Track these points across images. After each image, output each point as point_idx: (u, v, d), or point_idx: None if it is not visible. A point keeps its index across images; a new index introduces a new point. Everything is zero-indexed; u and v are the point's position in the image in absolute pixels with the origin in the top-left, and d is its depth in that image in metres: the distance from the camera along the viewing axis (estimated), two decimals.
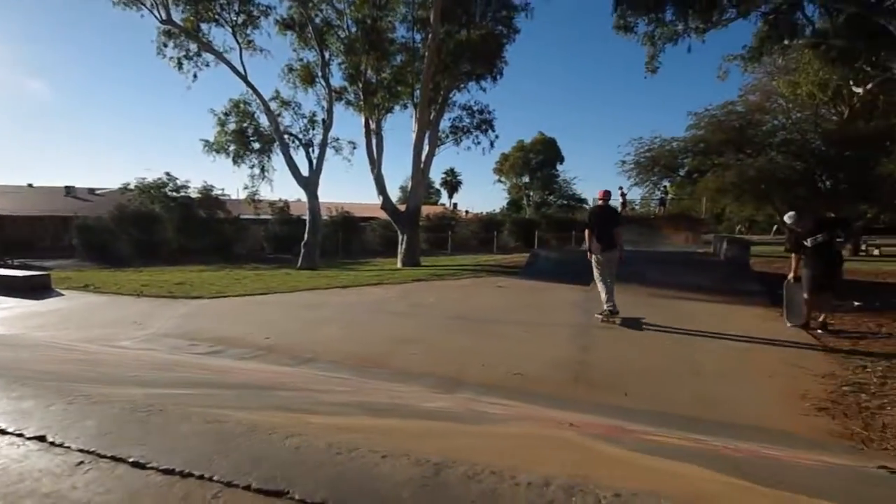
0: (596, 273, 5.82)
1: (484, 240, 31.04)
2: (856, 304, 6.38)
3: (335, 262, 19.08)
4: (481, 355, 4.33)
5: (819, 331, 5.09)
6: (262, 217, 25.38)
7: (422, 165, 14.83)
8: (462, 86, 15.59)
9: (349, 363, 4.04)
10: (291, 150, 16.47)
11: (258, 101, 16.04)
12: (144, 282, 9.51)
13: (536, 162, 43.99)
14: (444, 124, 16.74)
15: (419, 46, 15.27)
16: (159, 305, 6.71)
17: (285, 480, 0.52)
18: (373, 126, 15.90)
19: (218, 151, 17.25)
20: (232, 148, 17.31)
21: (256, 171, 18.18)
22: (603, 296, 5.68)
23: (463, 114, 16.70)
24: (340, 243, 24.03)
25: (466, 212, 41.84)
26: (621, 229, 5.88)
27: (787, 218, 5.40)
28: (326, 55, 15.61)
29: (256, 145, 18.14)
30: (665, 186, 25.02)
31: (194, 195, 23.93)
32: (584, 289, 8.51)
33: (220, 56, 15.29)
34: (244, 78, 15.61)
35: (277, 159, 18.06)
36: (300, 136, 17.22)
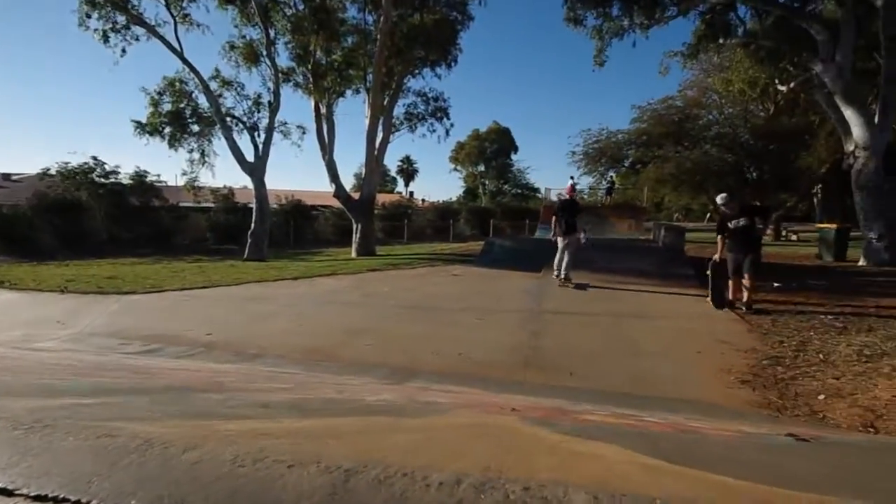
0: (560, 250, 7.41)
1: (440, 228, 31.09)
2: (775, 284, 7.02)
3: (285, 253, 18.39)
4: (434, 343, 4.34)
5: (743, 309, 5.55)
6: (205, 205, 23.91)
7: (376, 152, 14.52)
8: (416, 71, 15.34)
9: (298, 357, 3.92)
10: (235, 134, 15.55)
11: (196, 79, 14.93)
12: (69, 276, 8.68)
13: (491, 151, 44.44)
14: (399, 111, 16.45)
15: (371, 29, 14.82)
16: (87, 302, 6.15)
17: (173, 501, 0.47)
18: (323, 111, 15.33)
19: (151, 133, 15.96)
20: (167, 130, 16.07)
21: (196, 155, 17.01)
22: (563, 265, 7.33)
23: (418, 100, 16.50)
24: (292, 232, 23.12)
25: (423, 200, 41.64)
26: (580, 217, 7.58)
27: (719, 199, 5.81)
28: (272, 33, 14.77)
29: (195, 128, 16.97)
30: (612, 176, 26.11)
31: (126, 181, 22.07)
32: (537, 276, 8.75)
33: (151, 30, 14.05)
34: (180, 54, 14.47)
35: (220, 143, 16.98)
36: (244, 118, 16.25)
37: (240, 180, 30.18)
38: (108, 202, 21.00)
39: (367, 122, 14.31)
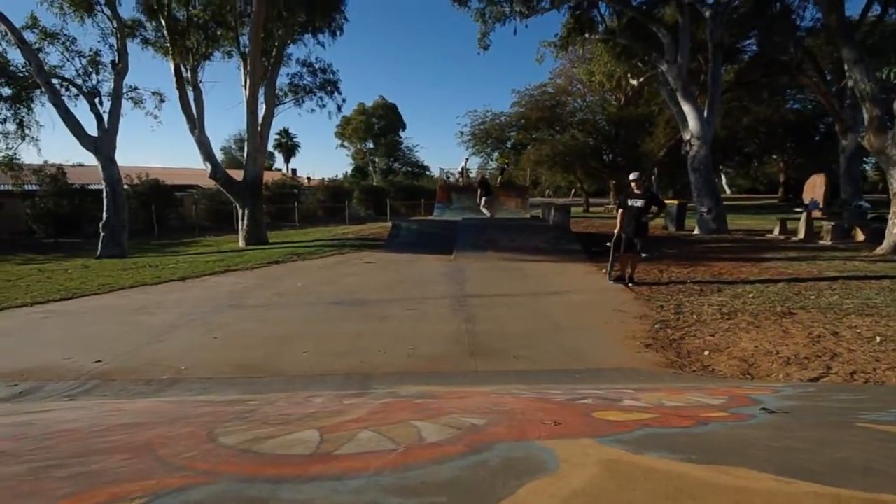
0: (484, 210, 13.11)
1: (332, 210, 29.69)
2: (643, 255, 8.38)
3: (149, 245, 15.81)
4: (376, 341, 4.27)
5: (629, 283, 6.53)
6: (26, 189, 19.05)
7: (259, 127, 13.10)
8: (298, 38, 14.03)
9: (228, 376, 3.50)
10: (68, 101, 12.57)
11: (3, 26, 11.56)
12: None
13: (379, 127, 43.36)
14: (283, 81, 15.01)
15: None
16: None
17: None
18: (187, 75, 13.20)
19: None
20: None
21: (11, 126, 13.39)
22: (487, 214, 12.96)
23: (304, 71, 15.25)
24: (154, 220, 19.75)
25: (308, 178, 39.07)
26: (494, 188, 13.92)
27: (631, 176, 6.47)
28: None
29: (5, 91, 13.30)
30: (499, 155, 27.70)
31: None
32: (449, 259, 9.04)
33: None
34: None
35: (43, 111, 13.57)
36: (78, 81, 13.16)
37: (73, 157, 24.42)
38: None
39: (245, 91, 12.79)
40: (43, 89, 12.38)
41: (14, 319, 5.04)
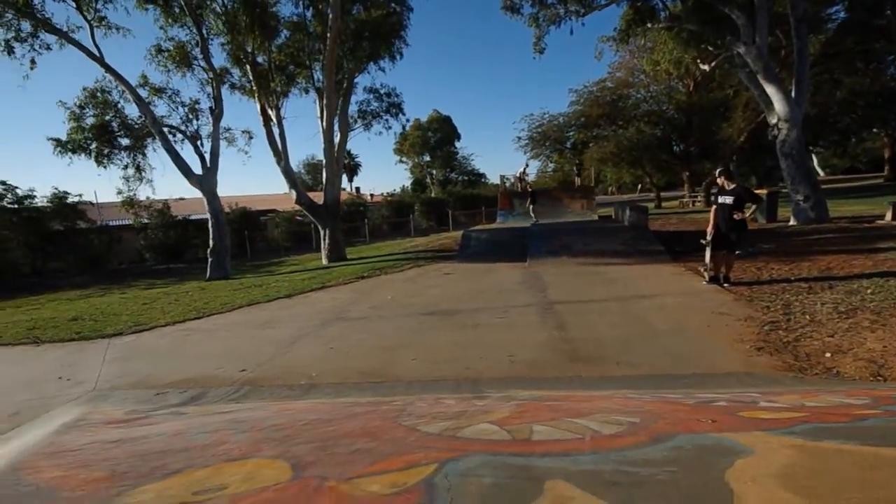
0: (532, 214, 15.24)
1: (396, 224, 30.86)
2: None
3: (245, 266, 17.50)
4: (474, 349, 4.52)
5: (725, 284, 6.22)
6: (132, 223, 22.03)
7: (335, 153, 14.15)
8: (365, 68, 15.02)
9: (354, 381, 3.93)
10: (175, 146, 14.42)
11: (122, 87, 13.60)
12: (24, 322, 7.77)
13: (435, 140, 44.47)
14: (352, 108, 16.08)
15: (309, 23, 14.26)
16: (73, 352, 5.61)
17: None
18: (272, 114, 14.63)
19: (74, 151, 14.41)
20: (93, 146, 14.57)
21: (130, 171, 15.60)
22: (534, 218, 14.53)
23: (371, 97, 16.24)
24: (247, 244, 21.90)
25: (371, 195, 40.97)
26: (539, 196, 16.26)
27: (717, 172, 6.22)
28: (204, 33, 13.74)
29: (125, 141, 15.53)
30: (579, 160, 27.33)
31: (44, 205, 19.72)
32: (523, 266, 9.17)
33: (64, 35, 12.56)
34: (100, 61, 13.07)
35: (154, 156, 15.69)
36: (182, 127, 15.10)
37: (174, 192, 27.80)
38: (26, 230, 18.67)
39: (320, 122, 13.89)
40: (155, 137, 14.40)
41: (164, 338, 5.97)
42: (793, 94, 11.54)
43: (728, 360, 3.83)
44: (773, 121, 11.78)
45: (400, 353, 4.60)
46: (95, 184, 60.02)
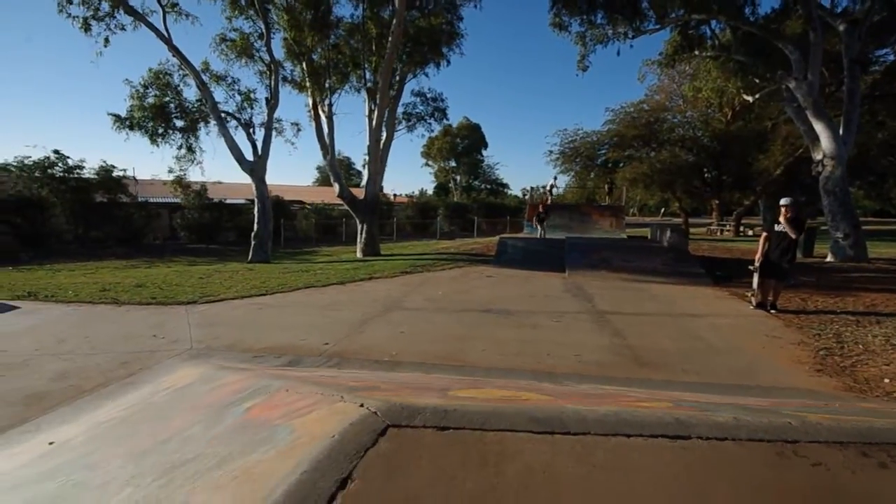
0: (542, 228, 15.47)
1: (419, 225, 31.29)
2: (788, 282, 8.05)
3: (278, 253, 18.05)
4: (540, 346, 4.81)
5: (772, 310, 6.40)
6: (171, 202, 22.80)
7: (380, 152, 14.61)
8: (419, 72, 15.53)
9: (435, 363, 4.24)
10: (231, 131, 15.05)
11: (186, 71, 14.29)
12: (92, 285, 8.29)
13: (462, 147, 44.97)
14: (398, 110, 16.57)
15: (367, 26, 14.82)
16: (154, 314, 6.05)
17: None
18: (323, 109, 15.19)
19: (132, 128, 15.12)
20: (150, 125, 15.28)
21: (182, 151, 16.29)
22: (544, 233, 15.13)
23: (417, 100, 16.74)
24: (281, 231, 22.58)
25: (394, 195, 41.57)
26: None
27: (783, 201, 6.22)
28: (268, 25, 14.39)
29: (179, 123, 16.23)
30: (611, 179, 27.60)
31: (91, 176, 20.61)
32: (563, 276, 9.43)
33: (139, 17, 13.28)
34: (169, 42, 13.76)
35: (206, 139, 16.39)
36: (237, 114, 15.74)
37: (213, 175, 28.67)
38: (72, 199, 19.55)
39: (368, 121, 14.40)
40: (210, 120, 15.08)
41: (238, 310, 6.38)
42: (840, 132, 11.64)
43: (790, 378, 4.06)
44: (818, 157, 11.88)
45: (469, 343, 4.91)
46: (132, 160, 62.01)
